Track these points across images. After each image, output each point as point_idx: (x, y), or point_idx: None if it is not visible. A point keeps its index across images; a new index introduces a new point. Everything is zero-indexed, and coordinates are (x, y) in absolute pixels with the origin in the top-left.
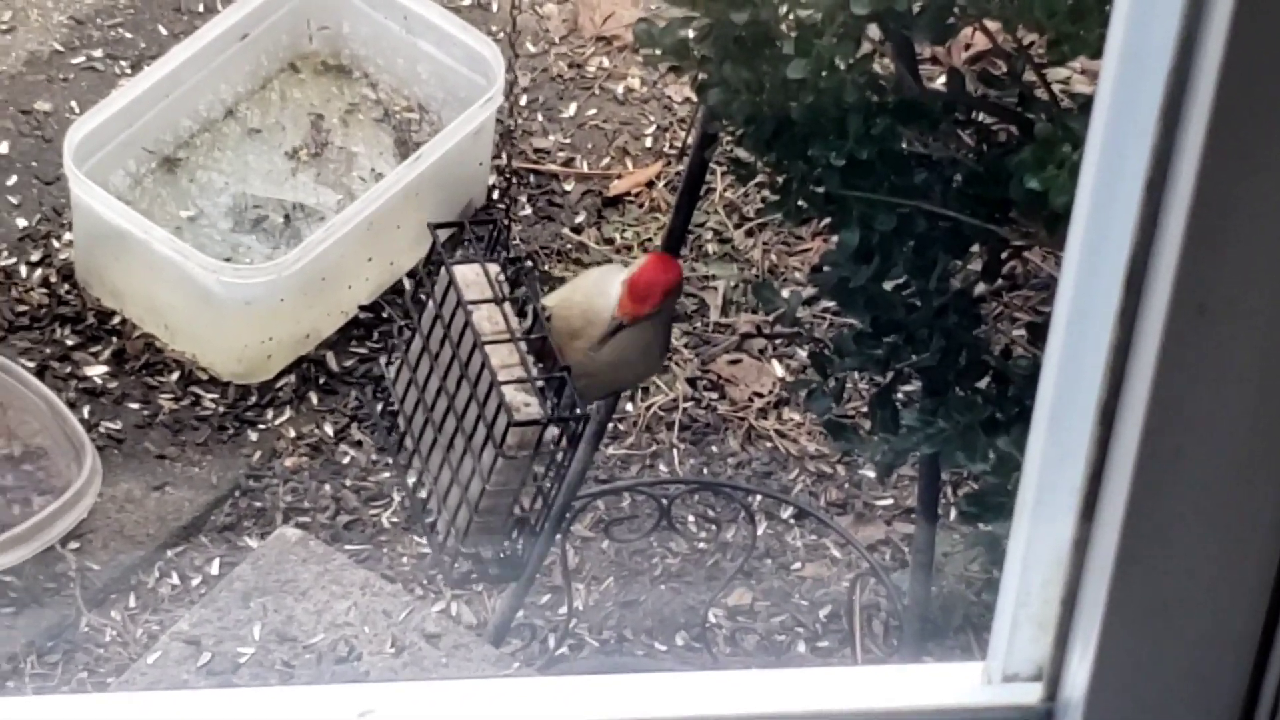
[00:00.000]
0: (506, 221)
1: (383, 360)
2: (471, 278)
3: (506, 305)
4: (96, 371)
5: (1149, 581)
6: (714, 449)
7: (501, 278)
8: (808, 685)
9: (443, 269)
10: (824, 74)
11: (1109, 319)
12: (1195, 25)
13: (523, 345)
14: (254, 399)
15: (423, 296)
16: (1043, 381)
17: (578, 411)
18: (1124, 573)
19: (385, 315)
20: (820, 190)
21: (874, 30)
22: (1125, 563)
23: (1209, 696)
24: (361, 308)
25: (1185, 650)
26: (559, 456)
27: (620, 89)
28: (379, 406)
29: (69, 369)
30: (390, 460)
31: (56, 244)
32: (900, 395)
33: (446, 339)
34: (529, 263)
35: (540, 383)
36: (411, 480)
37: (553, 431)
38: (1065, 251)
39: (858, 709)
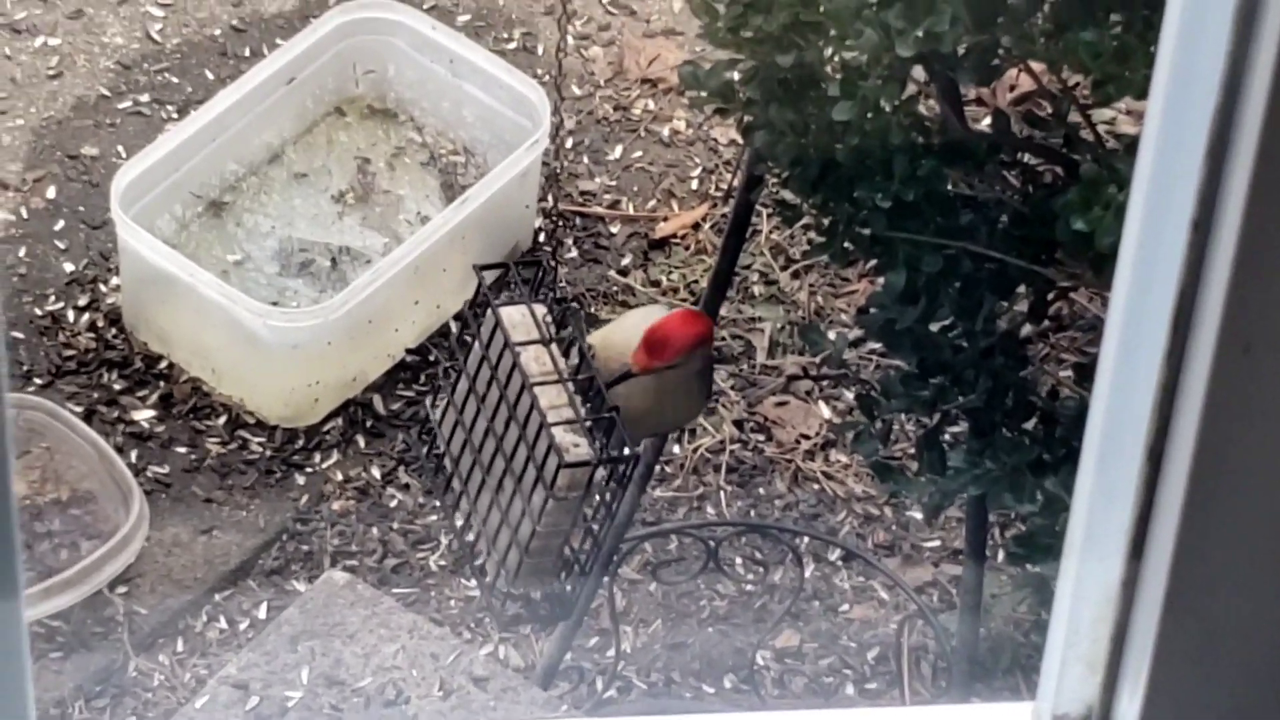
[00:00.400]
0: (552, 262)
1: (428, 402)
2: (518, 319)
3: (553, 346)
4: (144, 416)
5: (1198, 620)
6: (761, 491)
7: (548, 319)
8: None
9: (489, 311)
10: (869, 116)
11: (1156, 358)
12: (1241, 65)
13: (570, 386)
14: (301, 442)
15: (468, 338)
16: (1090, 420)
17: (627, 452)
18: (1173, 612)
19: (432, 359)
20: (866, 232)
21: (919, 72)
22: (1174, 602)
23: None
24: (408, 351)
25: (1234, 689)
26: (608, 497)
27: (666, 131)
28: (425, 449)
29: (116, 413)
30: (438, 502)
31: (104, 288)
32: (947, 437)
33: (494, 380)
34: (575, 303)
35: (589, 423)
36: (460, 522)
37: (602, 472)
38: (1112, 291)
39: None
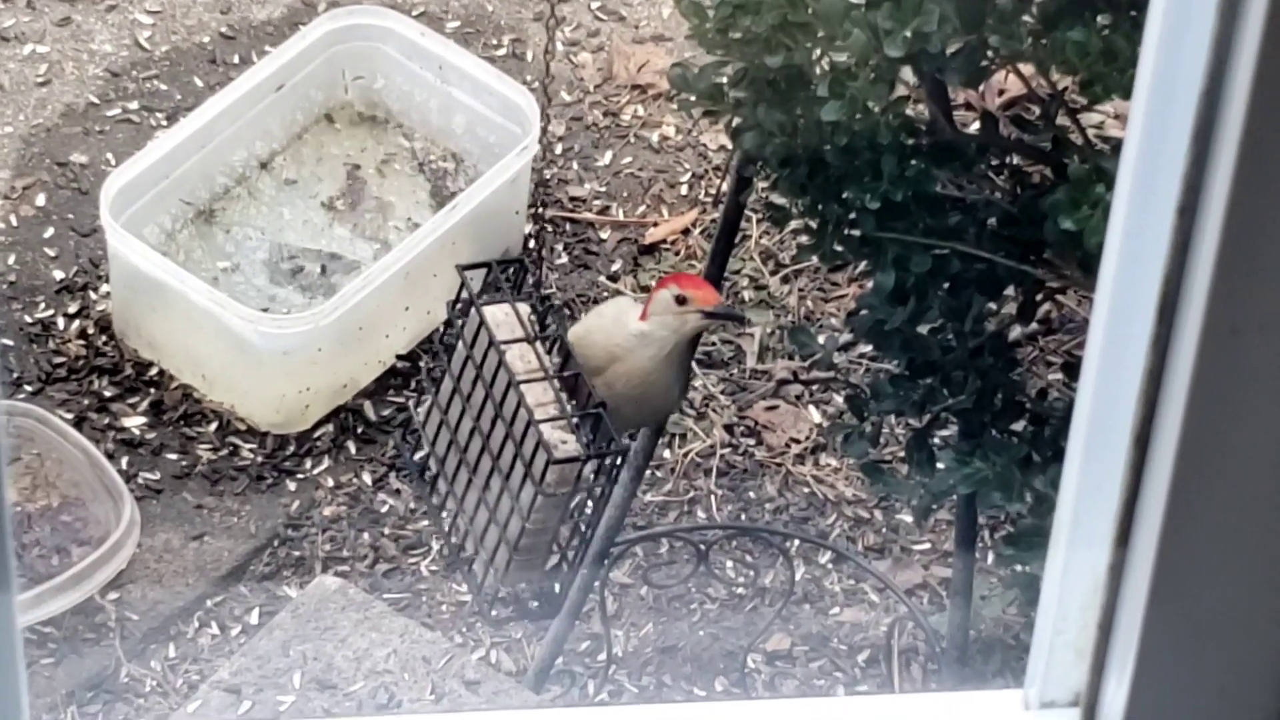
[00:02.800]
0: (533, 260)
1: (411, 403)
2: (500, 317)
3: (538, 344)
4: (134, 422)
5: (1184, 606)
6: (751, 494)
7: (532, 317)
8: (848, 713)
9: (472, 310)
10: (858, 116)
11: (1143, 344)
12: (1225, 50)
13: (555, 383)
14: (292, 449)
15: (450, 338)
16: (1078, 408)
17: (614, 446)
18: (1159, 598)
19: (423, 365)
20: (855, 233)
21: (908, 74)
22: (1160, 588)
23: (1245, 719)
24: (399, 357)
25: (1221, 674)
26: (596, 492)
27: (655, 137)
28: (410, 449)
29: (107, 420)
30: (422, 502)
31: (94, 295)
32: (937, 439)
33: (479, 379)
34: (557, 300)
35: (576, 419)
36: (446, 521)
37: (590, 467)
38: (1099, 279)
39: None
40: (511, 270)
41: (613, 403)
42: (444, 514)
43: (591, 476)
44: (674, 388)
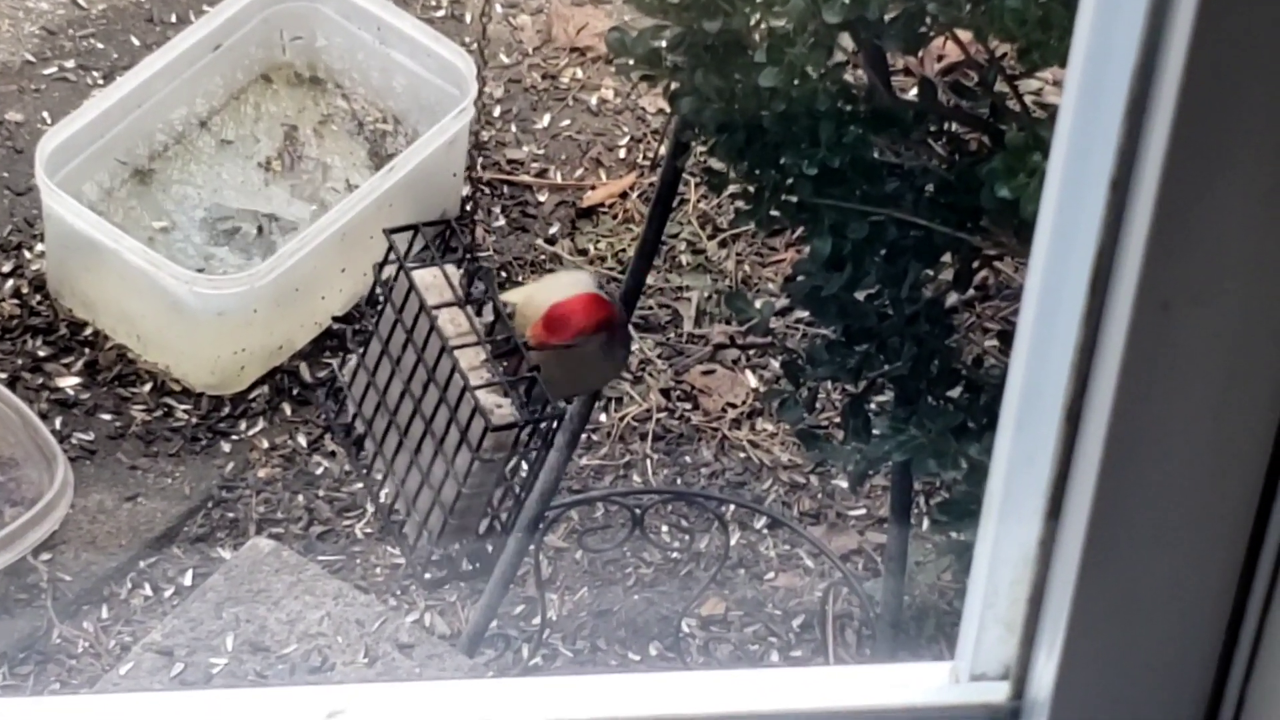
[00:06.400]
0: (473, 220)
1: (336, 364)
2: (430, 280)
3: (468, 307)
4: (68, 382)
5: (1115, 580)
6: (687, 459)
7: (461, 279)
8: (778, 685)
9: (401, 273)
10: (796, 82)
11: (1075, 318)
12: (1160, 24)
13: (488, 346)
14: (227, 410)
15: (380, 299)
16: (1010, 380)
17: (549, 410)
18: (1090, 572)
19: (357, 327)
20: (793, 199)
21: (846, 39)
22: (1091, 562)
23: (1174, 694)
24: (335, 318)
25: (1151, 648)
26: (532, 455)
27: (594, 100)
28: (335, 411)
29: (41, 380)
30: (350, 466)
31: (28, 255)
32: (873, 405)
33: (410, 343)
34: (490, 263)
35: (510, 383)
36: (375, 484)
37: (525, 430)
38: (1032, 251)
39: (827, 708)
40: (440, 233)
41: (546, 369)
42: (373, 476)
43: (526, 440)
44: (597, 371)
